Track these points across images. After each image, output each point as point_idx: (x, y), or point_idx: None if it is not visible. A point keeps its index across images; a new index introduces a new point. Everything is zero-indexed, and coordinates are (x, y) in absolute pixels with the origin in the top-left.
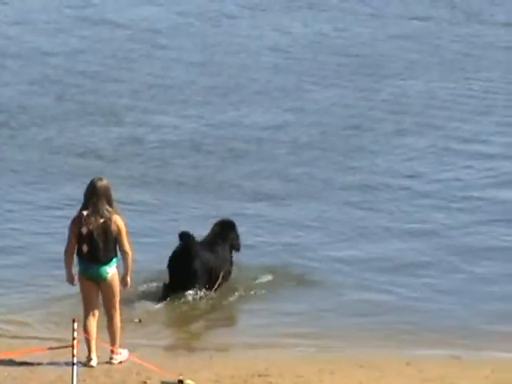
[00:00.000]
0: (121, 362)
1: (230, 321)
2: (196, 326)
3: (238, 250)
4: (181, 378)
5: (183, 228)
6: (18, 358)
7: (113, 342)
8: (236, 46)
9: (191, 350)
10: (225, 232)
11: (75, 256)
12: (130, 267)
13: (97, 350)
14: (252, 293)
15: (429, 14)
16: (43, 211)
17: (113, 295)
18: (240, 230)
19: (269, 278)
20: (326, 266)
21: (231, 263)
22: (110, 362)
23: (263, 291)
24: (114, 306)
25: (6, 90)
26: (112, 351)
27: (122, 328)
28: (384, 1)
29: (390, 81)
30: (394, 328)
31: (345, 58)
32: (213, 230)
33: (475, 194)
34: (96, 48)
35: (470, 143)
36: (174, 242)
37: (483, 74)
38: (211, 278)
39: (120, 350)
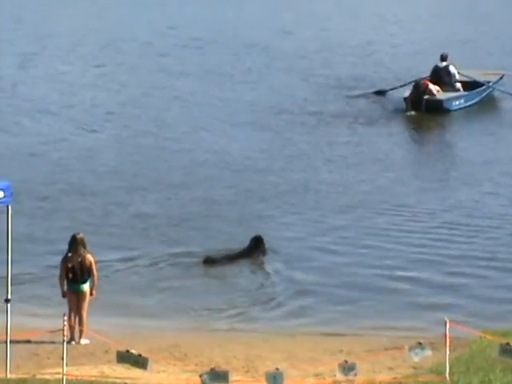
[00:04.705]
0: (86, 344)
1: (154, 307)
2: (135, 312)
3: (265, 252)
4: (128, 349)
5: None
6: (29, 337)
7: (81, 328)
8: None
9: (133, 328)
10: (257, 243)
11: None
12: (95, 285)
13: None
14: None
15: None
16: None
17: (84, 301)
18: None
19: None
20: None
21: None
22: (78, 343)
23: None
24: (84, 308)
25: None
26: (81, 332)
27: (87, 324)
28: None
29: None
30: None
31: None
32: (250, 242)
33: None
34: None
35: None
36: None
37: None
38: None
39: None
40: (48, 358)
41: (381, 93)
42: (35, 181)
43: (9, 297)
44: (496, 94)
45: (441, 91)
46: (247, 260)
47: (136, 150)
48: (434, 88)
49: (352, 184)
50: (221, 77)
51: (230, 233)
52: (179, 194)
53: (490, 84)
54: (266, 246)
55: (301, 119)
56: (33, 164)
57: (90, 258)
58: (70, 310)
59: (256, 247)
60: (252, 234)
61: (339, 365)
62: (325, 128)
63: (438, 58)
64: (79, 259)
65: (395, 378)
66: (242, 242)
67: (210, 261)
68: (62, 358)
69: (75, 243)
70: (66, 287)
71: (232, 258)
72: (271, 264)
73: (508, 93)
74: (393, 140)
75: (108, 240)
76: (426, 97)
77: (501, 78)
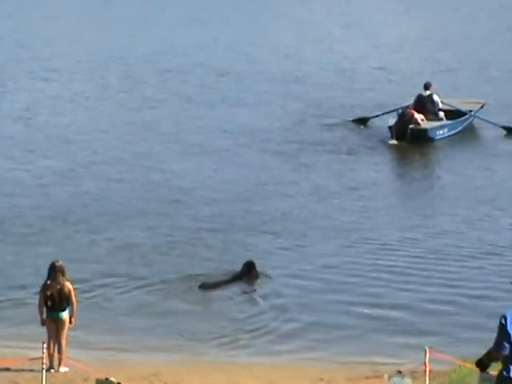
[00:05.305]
0: (65, 372)
1: (133, 341)
2: (114, 342)
3: (257, 277)
4: (107, 377)
5: None
6: (8, 365)
7: (60, 356)
8: None
9: (112, 357)
10: (249, 268)
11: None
12: (74, 313)
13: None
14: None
15: None
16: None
17: (63, 329)
18: None
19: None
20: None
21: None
22: (58, 371)
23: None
24: (63, 336)
25: None
26: (60, 360)
27: (66, 352)
28: None
29: None
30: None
31: None
32: (242, 267)
33: None
34: None
35: None
36: None
37: None
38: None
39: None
40: None
41: (363, 120)
42: (21, 209)
43: None
44: (476, 122)
45: (425, 120)
46: (239, 285)
47: (121, 179)
48: (419, 117)
49: (337, 214)
50: (200, 103)
51: (215, 261)
52: (164, 222)
53: (472, 113)
54: (259, 271)
55: (284, 148)
56: (19, 192)
57: (68, 285)
58: (49, 338)
59: (248, 272)
60: (238, 262)
61: None
62: (308, 157)
63: (417, 85)
64: (58, 287)
65: None
66: (229, 269)
67: (205, 286)
68: None
69: (54, 271)
70: (45, 315)
71: (225, 283)
72: (258, 292)
73: (489, 121)
74: (377, 169)
75: (94, 268)
76: (410, 126)
77: (482, 106)
